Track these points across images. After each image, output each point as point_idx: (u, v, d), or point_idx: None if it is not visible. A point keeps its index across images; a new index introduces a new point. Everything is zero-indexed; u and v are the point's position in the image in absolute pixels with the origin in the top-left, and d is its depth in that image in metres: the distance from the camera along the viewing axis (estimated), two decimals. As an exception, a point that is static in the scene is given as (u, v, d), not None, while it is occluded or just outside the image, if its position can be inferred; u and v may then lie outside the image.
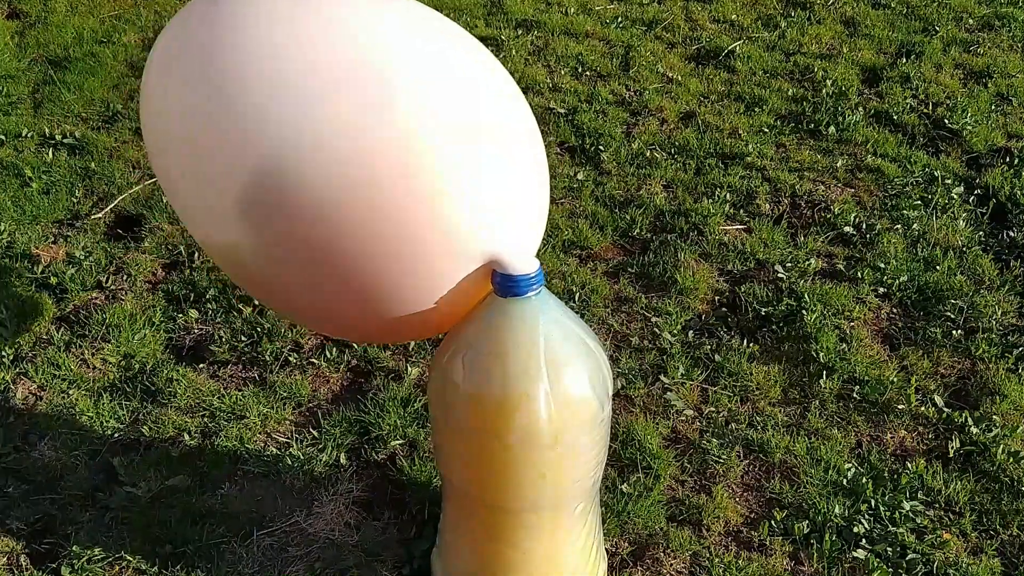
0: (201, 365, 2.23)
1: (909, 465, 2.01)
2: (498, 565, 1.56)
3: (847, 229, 2.69)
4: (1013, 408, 2.15)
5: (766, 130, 3.16)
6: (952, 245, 2.64)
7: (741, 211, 2.78)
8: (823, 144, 3.10)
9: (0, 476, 1.95)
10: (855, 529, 1.87)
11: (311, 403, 2.14)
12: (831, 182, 2.92)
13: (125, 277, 2.48)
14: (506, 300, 1.31)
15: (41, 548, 1.83)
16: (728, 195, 2.82)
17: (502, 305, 1.31)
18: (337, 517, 1.89)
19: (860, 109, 3.26)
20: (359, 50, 1.23)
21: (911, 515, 1.90)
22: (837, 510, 1.90)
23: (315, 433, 2.06)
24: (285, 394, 2.15)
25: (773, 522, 1.89)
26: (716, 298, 2.48)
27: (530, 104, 1.42)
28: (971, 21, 3.86)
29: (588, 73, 3.48)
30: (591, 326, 2.33)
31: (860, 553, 1.83)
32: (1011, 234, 2.70)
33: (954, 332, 2.34)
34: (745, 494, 1.97)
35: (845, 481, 1.96)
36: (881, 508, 1.91)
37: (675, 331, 2.34)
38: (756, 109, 3.27)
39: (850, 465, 2.00)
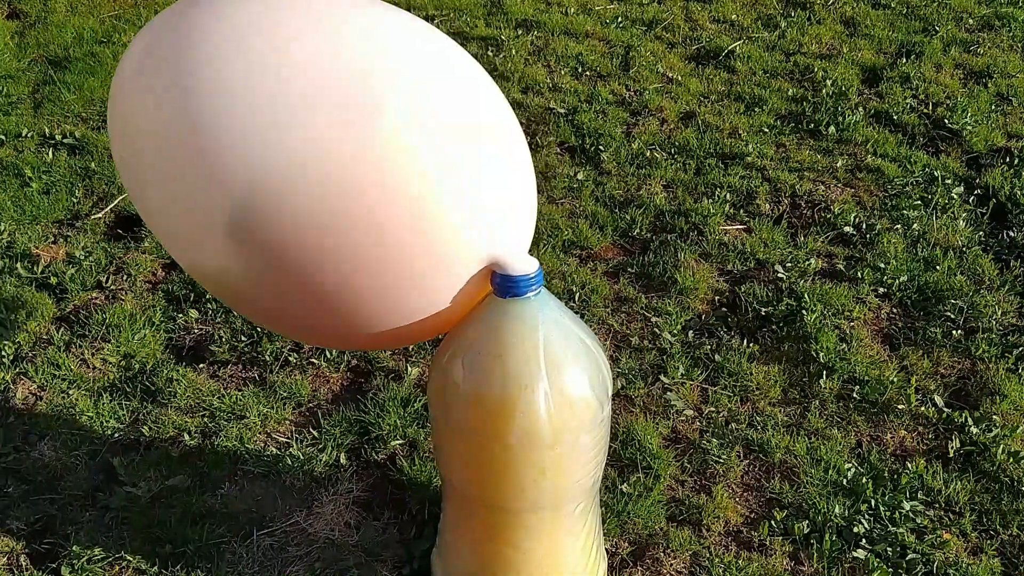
0: (201, 365, 2.23)
1: (909, 465, 2.01)
2: (498, 565, 1.56)
3: (847, 229, 2.69)
4: (1013, 408, 2.15)
5: (766, 130, 3.16)
6: (952, 245, 2.64)
7: (741, 211, 2.78)
8: (823, 144, 3.10)
9: (0, 476, 1.95)
10: (855, 529, 1.87)
11: (311, 403, 2.14)
12: (831, 182, 2.92)
13: (125, 277, 2.48)
14: (506, 300, 1.31)
15: (41, 548, 1.83)
16: (728, 195, 2.82)
17: (502, 306, 1.31)
18: (337, 517, 1.89)
19: (860, 109, 3.26)
20: (344, 60, 1.18)
21: (911, 515, 1.90)
22: (837, 510, 1.90)
23: (315, 433, 2.06)
24: (285, 394, 2.15)
25: (773, 522, 1.89)
26: (716, 298, 2.48)
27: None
28: (971, 21, 3.86)
29: (588, 73, 3.48)
30: (591, 326, 2.33)
31: (860, 553, 1.83)
32: (1011, 234, 2.69)
33: (954, 332, 2.34)
34: (745, 494, 1.97)
35: (845, 481, 1.96)
36: (881, 508, 1.90)
37: (675, 331, 2.34)
38: (756, 109, 3.27)
39: (850, 465, 2.00)
